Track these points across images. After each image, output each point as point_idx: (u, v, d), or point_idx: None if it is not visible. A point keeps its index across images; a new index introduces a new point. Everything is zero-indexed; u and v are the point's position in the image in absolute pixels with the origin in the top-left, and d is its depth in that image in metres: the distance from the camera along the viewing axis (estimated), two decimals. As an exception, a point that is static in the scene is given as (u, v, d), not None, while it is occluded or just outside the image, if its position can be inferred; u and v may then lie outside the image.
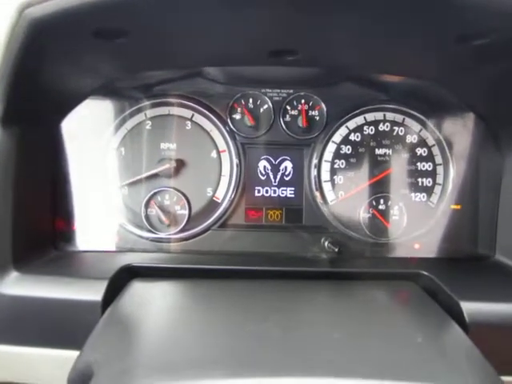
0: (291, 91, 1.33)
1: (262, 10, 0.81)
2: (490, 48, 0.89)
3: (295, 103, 1.33)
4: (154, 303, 0.91)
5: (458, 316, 0.87)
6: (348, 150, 1.32)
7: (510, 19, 0.76)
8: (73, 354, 0.82)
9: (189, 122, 1.31)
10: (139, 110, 1.30)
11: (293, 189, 1.34)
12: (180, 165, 1.30)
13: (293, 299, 0.92)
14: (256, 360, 0.66)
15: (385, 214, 1.30)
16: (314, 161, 1.32)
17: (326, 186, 1.32)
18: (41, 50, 0.86)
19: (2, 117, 0.96)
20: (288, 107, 1.33)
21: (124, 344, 0.72)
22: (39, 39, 0.80)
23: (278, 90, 1.33)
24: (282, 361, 0.65)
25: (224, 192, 1.31)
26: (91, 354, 0.71)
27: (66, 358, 0.88)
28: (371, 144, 1.32)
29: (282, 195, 1.33)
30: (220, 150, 1.32)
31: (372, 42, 0.97)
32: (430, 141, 1.32)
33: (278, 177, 1.34)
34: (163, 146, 1.30)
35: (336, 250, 1.21)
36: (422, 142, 1.32)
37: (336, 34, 0.94)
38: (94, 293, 0.92)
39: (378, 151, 1.31)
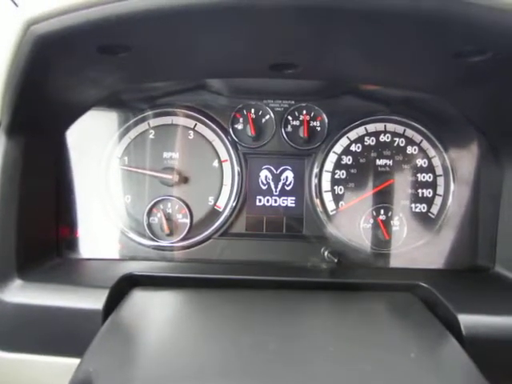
0: (293, 102, 1.34)
1: (264, 25, 0.82)
2: (489, 64, 0.90)
3: (297, 114, 1.34)
4: (154, 313, 0.92)
5: (455, 328, 0.88)
6: (349, 160, 1.33)
7: (507, 37, 0.77)
8: (74, 361, 0.83)
9: (191, 132, 1.33)
10: (143, 120, 1.32)
11: (293, 198, 1.35)
12: (182, 174, 1.31)
13: (291, 310, 0.93)
14: (254, 372, 0.67)
15: (385, 224, 1.30)
16: (315, 171, 1.33)
17: (327, 196, 1.33)
18: (46, 64, 0.88)
19: (7, 127, 0.98)
20: (290, 118, 1.34)
21: (124, 354, 0.73)
22: (44, 54, 0.82)
23: (280, 101, 1.34)
24: (279, 373, 0.66)
25: (225, 201, 1.33)
26: (91, 363, 0.71)
27: (67, 365, 0.90)
28: (372, 155, 1.32)
29: (282, 205, 1.34)
30: (222, 159, 1.33)
31: (371, 56, 0.98)
32: (431, 152, 1.32)
33: (279, 186, 1.35)
34: (166, 155, 1.32)
35: (335, 260, 1.22)
36: (423, 153, 1.32)
37: (335, 49, 0.95)
38: (95, 301, 0.93)
39: (379, 162, 1.32)
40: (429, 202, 1.32)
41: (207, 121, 1.33)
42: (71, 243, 1.27)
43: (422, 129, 1.32)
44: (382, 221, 1.30)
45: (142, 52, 0.92)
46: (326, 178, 1.33)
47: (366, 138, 1.33)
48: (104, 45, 0.84)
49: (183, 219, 1.32)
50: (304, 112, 1.34)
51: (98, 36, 0.80)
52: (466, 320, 0.89)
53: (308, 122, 1.33)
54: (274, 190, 1.35)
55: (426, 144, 1.33)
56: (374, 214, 1.31)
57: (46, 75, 0.93)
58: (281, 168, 1.35)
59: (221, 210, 1.33)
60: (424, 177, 1.32)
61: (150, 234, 1.30)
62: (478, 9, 0.72)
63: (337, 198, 1.33)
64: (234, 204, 1.32)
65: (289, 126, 1.34)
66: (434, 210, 1.32)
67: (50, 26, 0.74)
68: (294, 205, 1.35)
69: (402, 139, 1.33)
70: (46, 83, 0.97)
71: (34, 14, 0.74)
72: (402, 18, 0.76)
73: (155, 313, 0.92)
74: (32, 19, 0.74)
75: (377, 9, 0.73)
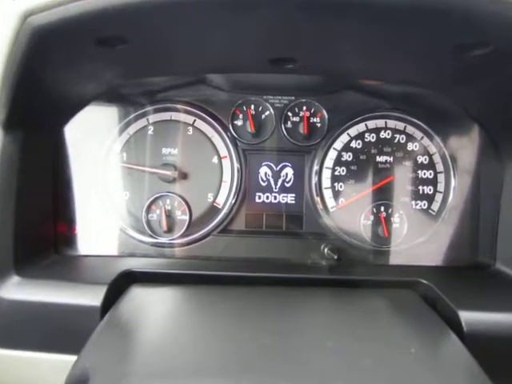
0: (293, 98, 1.33)
1: (264, 20, 0.82)
2: (489, 58, 0.89)
3: (297, 110, 1.33)
4: (152, 309, 0.92)
5: (456, 325, 0.87)
6: (349, 157, 1.32)
7: (508, 29, 0.76)
8: (72, 358, 0.83)
9: (190, 128, 1.32)
10: (141, 115, 1.31)
11: (293, 195, 1.34)
12: (181, 170, 1.30)
13: (291, 307, 0.92)
14: (253, 368, 0.66)
15: (385, 221, 1.29)
16: (315, 167, 1.32)
17: (327, 193, 1.32)
18: (43, 56, 0.87)
19: (4, 121, 0.97)
20: (290, 114, 1.33)
21: (121, 350, 0.73)
22: (41, 46, 0.81)
23: (280, 97, 1.33)
24: (278, 369, 0.66)
25: (225, 198, 1.32)
26: (88, 359, 0.71)
27: (65, 362, 0.89)
28: (372, 151, 1.32)
29: (282, 201, 1.34)
30: (221, 155, 1.32)
31: (371, 50, 0.98)
32: (432, 148, 1.32)
33: (279, 183, 1.34)
34: (165, 151, 1.31)
35: (335, 257, 1.21)
36: (424, 150, 1.32)
37: (335, 43, 0.95)
38: (93, 298, 0.92)
39: (379, 158, 1.31)
40: (429, 198, 1.31)
41: (207, 117, 1.32)
42: (69, 240, 1.27)
43: (423, 125, 1.31)
44: (383, 217, 1.29)
45: (140, 45, 0.91)
46: (326, 175, 1.32)
47: (366, 135, 1.32)
48: (102, 37, 0.83)
49: (182, 216, 1.31)
50: (304, 108, 1.33)
51: (96, 28, 0.79)
52: (467, 317, 0.88)
53: (308, 119, 1.32)
54: (273, 186, 1.34)
55: (426, 141, 1.32)
56: (374, 210, 1.30)
57: (43, 68, 0.92)
58: (281, 165, 1.34)
59: (220, 206, 1.32)
60: (425, 173, 1.31)
61: (149, 231, 1.29)
62: (479, 0, 0.71)
63: (337, 195, 1.32)
64: (233, 201, 1.32)
65: (289, 122, 1.33)
66: (435, 206, 1.31)
67: (47, 18, 0.73)
68: (293, 201, 1.34)
69: (403, 136, 1.32)
70: (43, 77, 0.96)
71: (31, 5, 0.73)
72: (402, 10, 0.75)
73: (154, 309, 0.92)
74: (29, 10, 0.73)
75: (376, 2, 0.73)
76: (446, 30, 0.80)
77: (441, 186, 1.31)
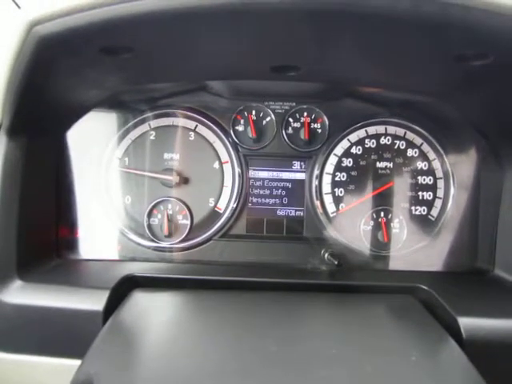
0: (294, 104, 1.34)
1: (266, 28, 0.83)
2: (490, 68, 0.90)
3: (298, 116, 1.34)
4: (155, 314, 0.92)
5: (455, 331, 0.88)
6: (349, 162, 1.33)
7: (506, 41, 0.77)
8: (74, 362, 0.84)
9: (192, 133, 1.33)
10: (143, 121, 1.32)
11: (294, 200, 1.35)
12: (182, 175, 1.31)
13: (291, 312, 0.93)
14: (254, 374, 0.67)
15: (385, 226, 1.30)
16: (316, 173, 1.33)
17: (327, 198, 1.33)
18: (48, 65, 0.87)
19: (8, 127, 0.98)
20: (291, 120, 1.34)
21: (125, 355, 0.73)
22: (46, 55, 0.82)
23: (281, 103, 1.34)
24: (278, 375, 0.66)
25: (226, 203, 1.33)
26: (92, 364, 0.71)
27: (67, 366, 0.90)
28: (372, 157, 1.33)
29: (283, 207, 1.35)
30: (223, 161, 1.33)
31: (373, 59, 0.99)
32: (431, 155, 1.33)
33: (280, 188, 1.35)
34: (166, 156, 1.32)
35: (336, 262, 1.22)
36: (423, 156, 1.33)
37: (337, 52, 0.96)
38: (95, 302, 0.93)
39: (379, 164, 1.32)
40: (429, 204, 1.32)
41: (208, 122, 1.33)
42: (71, 244, 1.27)
43: (423, 131, 1.33)
44: (382, 223, 1.30)
45: (144, 53, 0.92)
46: (327, 180, 1.33)
47: (366, 141, 1.33)
48: (106, 46, 0.83)
49: (183, 220, 1.32)
50: (305, 114, 1.34)
51: (101, 37, 0.80)
52: (466, 323, 0.89)
53: (309, 124, 1.33)
54: (274, 191, 1.35)
55: (426, 147, 1.33)
56: (374, 216, 1.31)
57: (47, 76, 0.93)
58: (281, 170, 1.35)
59: (221, 211, 1.33)
60: (424, 179, 1.32)
61: (150, 235, 1.30)
62: (477, 13, 0.72)
63: (337, 200, 1.33)
64: (234, 205, 1.32)
65: (290, 128, 1.34)
66: (434, 212, 1.32)
67: (52, 27, 0.74)
68: (294, 207, 1.35)
69: (403, 142, 1.33)
70: (47, 84, 0.97)
71: (37, 15, 0.74)
72: (403, 22, 0.76)
73: (156, 314, 0.92)
74: (35, 20, 0.74)
75: (378, 13, 0.74)
76: (445, 42, 0.81)
77: (440, 192, 1.32)
